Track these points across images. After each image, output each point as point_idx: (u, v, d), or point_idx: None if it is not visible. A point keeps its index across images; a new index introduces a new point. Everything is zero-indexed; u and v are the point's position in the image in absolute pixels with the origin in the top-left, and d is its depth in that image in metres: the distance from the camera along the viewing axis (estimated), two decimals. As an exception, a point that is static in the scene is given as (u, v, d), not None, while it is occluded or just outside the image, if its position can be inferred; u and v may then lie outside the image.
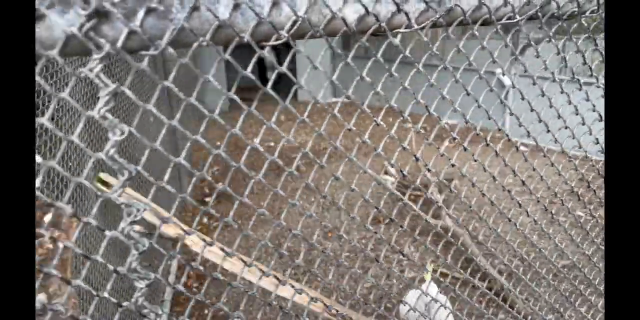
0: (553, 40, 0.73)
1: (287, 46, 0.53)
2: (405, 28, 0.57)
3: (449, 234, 1.01)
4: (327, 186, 0.87)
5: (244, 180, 4.26)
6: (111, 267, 0.48)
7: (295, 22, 0.51)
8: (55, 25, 0.42)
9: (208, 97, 6.45)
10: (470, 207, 0.91)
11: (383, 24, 0.54)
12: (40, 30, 0.42)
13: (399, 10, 0.54)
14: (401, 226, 0.84)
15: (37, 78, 0.43)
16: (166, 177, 0.53)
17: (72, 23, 0.42)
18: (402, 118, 0.64)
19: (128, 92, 0.46)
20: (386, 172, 4.49)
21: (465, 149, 0.83)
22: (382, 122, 0.67)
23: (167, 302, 2.68)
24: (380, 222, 3.79)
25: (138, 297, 0.50)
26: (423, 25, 0.57)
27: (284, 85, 3.67)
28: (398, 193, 3.90)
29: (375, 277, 3.02)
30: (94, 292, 0.48)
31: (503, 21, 0.63)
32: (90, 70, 0.44)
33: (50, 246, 0.55)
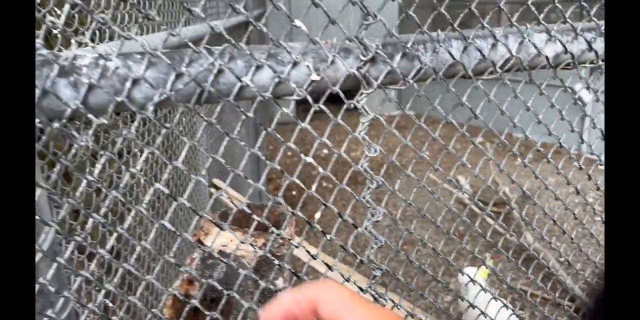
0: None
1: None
2: (590, 63, 0.66)
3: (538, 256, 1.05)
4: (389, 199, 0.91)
5: (323, 187, 4.39)
6: (358, 259, 0.59)
7: (508, 59, 0.61)
8: (340, 68, 0.55)
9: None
10: (550, 224, 0.95)
11: (575, 61, 0.64)
12: (328, 71, 0.54)
13: (590, 48, 0.64)
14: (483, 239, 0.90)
15: (285, 111, 0.56)
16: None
17: (352, 66, 0.55)
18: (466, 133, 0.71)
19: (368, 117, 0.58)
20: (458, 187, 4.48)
21: (547, 162, 0.82)
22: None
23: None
24: (456, 236, 3.79)
25: (372, 283, 0.61)
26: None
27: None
28: (476, 208, 3.90)
29: (456, 291, 3.03)
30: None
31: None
32: (358, 101, 0.57)
33: (282, 242, 0.67)
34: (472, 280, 0.88)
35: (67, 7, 0.51)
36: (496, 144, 0.77)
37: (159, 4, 1.37)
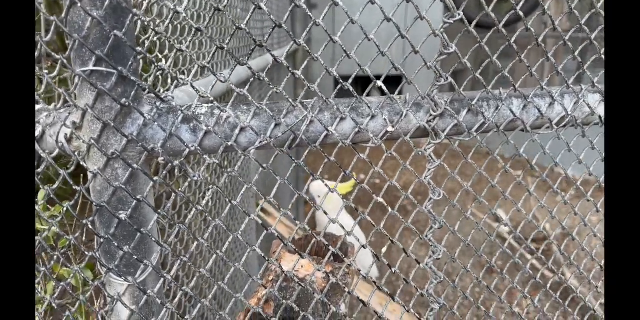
0: None
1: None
2: None
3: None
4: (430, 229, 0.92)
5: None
6: (419, 292, 0.65)
7: (563, 117, 0.67)
8: (412, 120, 0.62)
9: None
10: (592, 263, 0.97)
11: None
12: (402, 123, 0.62)
13: None
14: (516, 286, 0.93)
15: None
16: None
17: (422, 119, 0.62)
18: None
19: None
20: (498, 221, 4.44)
21: (588, 200, 0.84)
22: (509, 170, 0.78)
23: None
24: (494, 273, 3.73)
25: (430, 315, 0.67)
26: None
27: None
28: (515, 243, 3.85)
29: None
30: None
31: None
32: (425, 150, 0.64)
33: (347, 271, 0.74)
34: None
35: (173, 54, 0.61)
36: (538, 179, 0.81)
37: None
